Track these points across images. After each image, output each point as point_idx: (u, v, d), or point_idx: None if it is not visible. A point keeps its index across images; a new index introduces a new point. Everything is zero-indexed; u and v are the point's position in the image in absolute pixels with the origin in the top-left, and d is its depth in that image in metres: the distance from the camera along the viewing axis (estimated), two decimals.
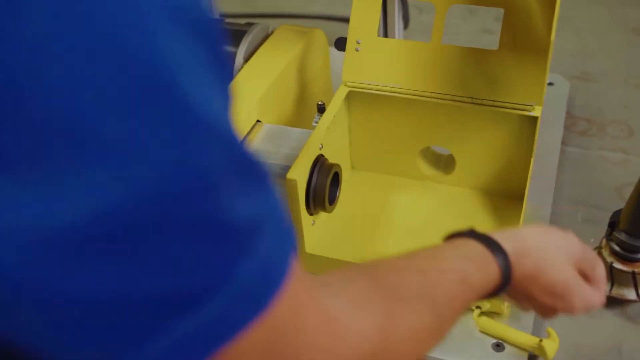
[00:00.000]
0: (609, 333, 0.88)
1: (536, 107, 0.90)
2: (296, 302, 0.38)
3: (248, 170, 0.37)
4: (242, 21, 1.12)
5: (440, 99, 0.94)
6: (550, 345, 0.81)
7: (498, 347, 0.84)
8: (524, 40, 0.89)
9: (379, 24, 1.19)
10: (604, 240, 0.91)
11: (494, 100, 0.91)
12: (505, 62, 0.91)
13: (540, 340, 0.81)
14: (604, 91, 1.26)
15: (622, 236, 0.87)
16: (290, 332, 0.38)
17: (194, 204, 0.32)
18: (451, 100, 0.93)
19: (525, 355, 0.83)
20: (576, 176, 1.09)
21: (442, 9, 0.95)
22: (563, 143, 1.14)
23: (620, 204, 1.03)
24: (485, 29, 1.45)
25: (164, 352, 0.33)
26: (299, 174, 0.85)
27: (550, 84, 1.22)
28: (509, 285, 0.59)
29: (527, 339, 0.82)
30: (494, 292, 0.59)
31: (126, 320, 0.32)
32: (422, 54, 0.95)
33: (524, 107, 0.90)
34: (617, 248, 0.88)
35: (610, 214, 1.01)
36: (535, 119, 0.90)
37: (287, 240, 0.38)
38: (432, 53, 0.95)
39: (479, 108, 0.92)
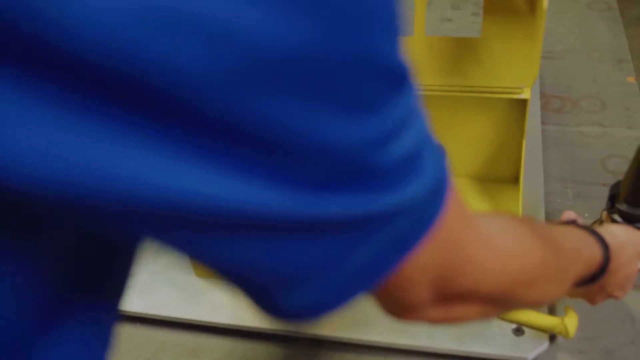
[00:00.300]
0: (620, 304, 0.89)
1: (525, 89, 0.91)
2: (456, 218, 0.38)
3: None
4: None
5: (428, 90, 0.93)
6: (572, 323, 0.82)
7: (518, 331, 0.85)
8: (507, 23, 0.90)
9: None
10: (605, 213, 0.92)
11: (482, 87, 0.91)
12: (491, 48, 0.91)
13: (562, 320, 0.82)
14: (570, 67, 1.28)
15: (624, 207, 0.88)
16: (454, 246, 0.38)
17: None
18: (439, 90, 0.93)
19: (546, 337, 0.84)
20: (559, 154, 1.10)
21: (422, 0, 0.94)
22: (542, 123, 1.15)
23: (607, 176, 1.05)
24: (443, 18, 1.46)
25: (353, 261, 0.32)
26: None
27: None
28: (603, 275, 0.61)
29: (548, 320, 0.83)
30: (587, 281, 0.61)
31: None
32: (407, 47, 0.94)
33: (513, 90, 0.91)
34: (619, 219, 0.89)
35: (597, 187, 1.03)
36: (524, 101, 0.91)
37: (441, 153, 0.37)
38: (416, 45, 0.94)
39: (467, 96, 0.92)
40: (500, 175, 1.00)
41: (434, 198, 0.35)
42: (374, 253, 0.33)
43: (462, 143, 0.99)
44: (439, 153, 0.37)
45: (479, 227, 0.41)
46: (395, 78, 0.31)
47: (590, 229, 0.61)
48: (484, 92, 0.91)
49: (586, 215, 0.99)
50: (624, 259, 0.64)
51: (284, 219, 0.29)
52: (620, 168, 1.06)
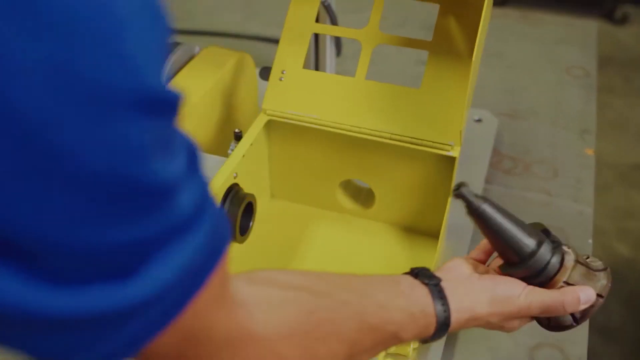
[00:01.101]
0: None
1: (455, 147, 0.90)
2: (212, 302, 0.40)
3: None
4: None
5: (360, 133, 0.92)
6: None
7: None
8: (446, 79, 0.89)
9: (310, 49, 1.18)
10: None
11: (412, 138, 0.90)
12: (427, 101, 0.90)
13: None
14: (531, 130, 1.26)
15: (505, 269, 0.82)
16: (202, 329, 0.40)
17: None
18: (371, 135, 0.92)
19: None
20: None
21: (368, 46, 0.94)
22: (487, 181, 1.14)
23: None
24: (420, 60, 1.45)
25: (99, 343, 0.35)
26: None
27: (478, 120, 1.23)
28: (444, 333, 0.61)
29: None
30: (424, 341, 0.62)
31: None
32: (345, 88, 0.94)
33: (442, 146, 0.89)
34: None
35: None
36: (453, 159, 0.89)
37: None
38: (355, 88, 0.93)
39: (398, 145, 0.91)
40: (426, 229, 0.99)
41: (187, 283, 0.37)
42: (126, 335, 0.36)
43: (391, 190, 0.98)
44: (217, 223, 0.38)
45: (238, 310, 0.43)
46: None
47: (437, 288, 0.61)
48: (414, 143, 0.90)
49: None
50: (482, 323, 0.64)
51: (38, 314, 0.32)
52: None
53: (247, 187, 0.93)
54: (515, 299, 0.63)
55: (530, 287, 0.65)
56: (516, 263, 0.65)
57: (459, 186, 0.65)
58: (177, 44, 1.06)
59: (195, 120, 0.98)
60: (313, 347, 0.49)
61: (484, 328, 0.66)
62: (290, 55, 0.96)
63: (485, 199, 0.65)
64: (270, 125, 0.97)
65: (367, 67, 0.93)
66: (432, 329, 0.59)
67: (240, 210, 0.88)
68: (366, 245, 0.99)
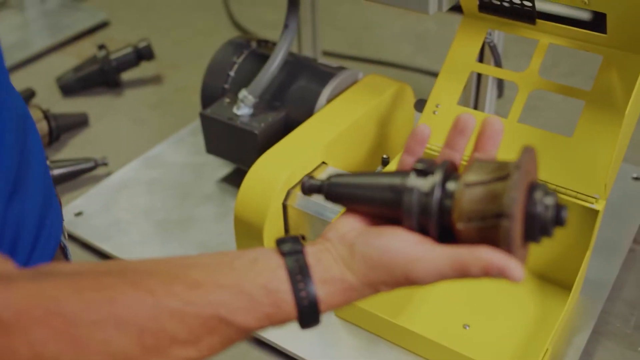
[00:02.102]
0: None
1: (600, 201, 0.88)
2: None
3: None
4: (337, 63, 1.16)
5: None
6: None
7: None
8: (597, 131, 0.88)
9: (471, 88, 1.20)
10: None
11: (557, 186, 0.90)
12: (576, 151, 0.89)
13: None
14: None
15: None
16: None
17: None
18: None
19: None
20: None
21: (524, 89, 0.95)
22: (636, 242, 1.10)
23: None
24: None
25: None
26: None
27: (636, 178, 1.19)
28: (313, 313, 0.50)
29: None
30: (302, 325, 0.51)
31: None
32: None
33: (587, 198, 0.88)
34: None
35: None
36: (596, 212, 0.88)
37: None
38: (506, 129, 0.94)
39: None
40: (559, 279, 0.97)
41: None
42: None
43: None
44: None
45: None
46: None
47: (298, 263, 0.50)
48: (558, 191, 0.90)
49: (639, 349, 0.94)
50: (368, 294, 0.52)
51: None
52: None
53: None
54: (399, 262, 0.50)
55: (424, 242, 0.51)
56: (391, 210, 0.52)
57: (304, 183, 0.57)
58: (341, 68, 1.12)
59: (346, 142, 1.03)
60: (81, 334, 0.43)
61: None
62: (446, 90, 0.99)
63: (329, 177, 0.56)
64: None
65: (521, 110, 0.94)
66: (288, 307, 0.49)
67: None
68: (496, 286, 0.99)
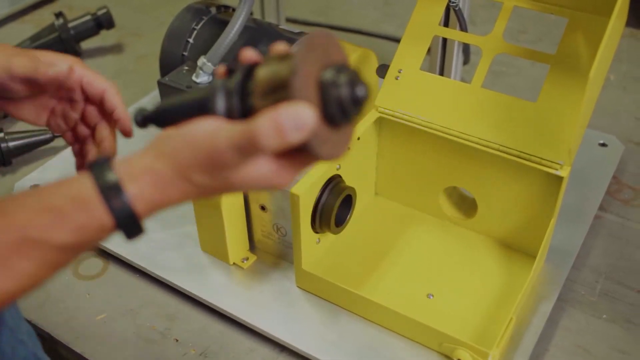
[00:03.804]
0: None
1: (564, 167, 0.87)
2: None
3: None
4: (299, 29, 1.13)
5: (469, 141, 0.91)
6: None
7: None
8: (562, 96, 0.86)
9: (437, 54, 1.18)
10: None
11: (521, 152, 0.88)
12: (540, 116, 0.87)
13: None
14: None
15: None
16: None
17: None
18: (479, 144, 0.91)
19: None
20: (607, 246, 1.04)
21: (488, 54, 0.92)
22: (602, 208, 1.09)
23: None
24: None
25: None
26: (305, 190, 0.85)
27: (603, 144, 1.17)
28: (136, 225, 0.50)
29: None
30: (127, 235, 0.51)
31: None
32: (459, 94, 0.93)
33: (551, 164, 0.87)
34: None
35: (630, 293, 0.97)
36: (560, 178, 0.86)
37: None
38: (469, 95, 0.92)
39: (505, 157, 0.89)
40: (525, 247, 0.96)
41: None
42: None
43: (494, 202, 0.96)
44: None
45: None
46: None
47: (105, 179, 0.49)
48: (523, 157, 0.88)
49: (604, 316, 0.93)
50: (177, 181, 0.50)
51: None
52: None
53: (350, 180, 0.94)
54: (199, 138, 0.49)
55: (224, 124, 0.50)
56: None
57: (137, 117, 0.58)
58: (302, 34, 1.09)
59: None
60: None
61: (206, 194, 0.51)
62: (409, 56, 0.96)
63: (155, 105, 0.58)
64: (381, 123, 0.98)
65: (485, 75, 0.92)
66: (99, 212, 0.49)
67: (338, 201, 0.89)
68: (461, 255, 0.97)
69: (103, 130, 0.72)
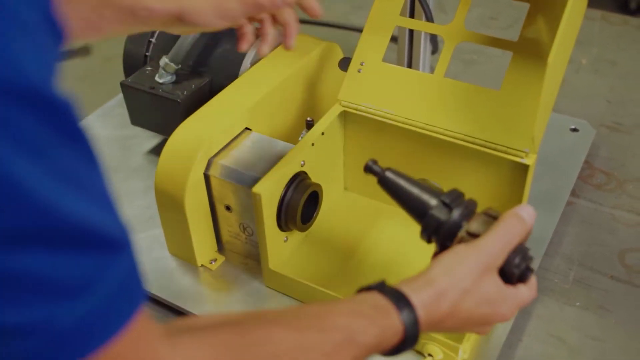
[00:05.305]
0: None
1: (530, 155, 0.85)
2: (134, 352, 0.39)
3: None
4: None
5: (433, 132, 0.90)
6: None
7: None
8: (525, 83, 0.85)
9: (405, 45, 1.16)
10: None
11: (486, 141, 0.87)
12: (504, 104, 0.86)
13: None
14: (633, 145, 1.18)
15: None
16: None
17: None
18: (444, 135, 0.89)
19: None
20: (580, 232, 1.03)
21: (450, 43, 0.91)
22: (574, 194, 1.08)
23: (619, 270, 0.97)
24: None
25: None
26: (266, 188, 0.83)
27: (574, 129, 1.16)
28: (416, 338, 0.57)
29: None
30: (400, 346, 0.57)
31: None
32: (423, 84, 0.92)
33: (517, 152, 0.86)
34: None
35: (603, 279, 0.96)
36: (526, 167, 0.85)
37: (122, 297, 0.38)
38: (433, 85, 0.91)
39: (471, 147, 0.88)
40: None
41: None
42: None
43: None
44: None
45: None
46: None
47: (393, 291, 0.57)
48: (488, 147, 0.87)
49: (577, 304, 0.92)
50: (455, 299, 0.59)
51: None
52: (638, 265, 0.98)
53: (315, 177, 0.93)
54: (472, 250, 0.61)
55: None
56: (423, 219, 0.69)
57: (367, 164, 0.71)
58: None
59: (271, 105, 0.98)
60: None
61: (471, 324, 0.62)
62: (371, 48, 0.95)
63: (389, 169, 0.70)
64: (345, 117, 0.97)
65: (447, 65, 0.91)
66: (396, 319, 0.55)
67: (303, 198, 0.88)
68: (433, 247, 0.96)
69: (288, 15, 0.73)
